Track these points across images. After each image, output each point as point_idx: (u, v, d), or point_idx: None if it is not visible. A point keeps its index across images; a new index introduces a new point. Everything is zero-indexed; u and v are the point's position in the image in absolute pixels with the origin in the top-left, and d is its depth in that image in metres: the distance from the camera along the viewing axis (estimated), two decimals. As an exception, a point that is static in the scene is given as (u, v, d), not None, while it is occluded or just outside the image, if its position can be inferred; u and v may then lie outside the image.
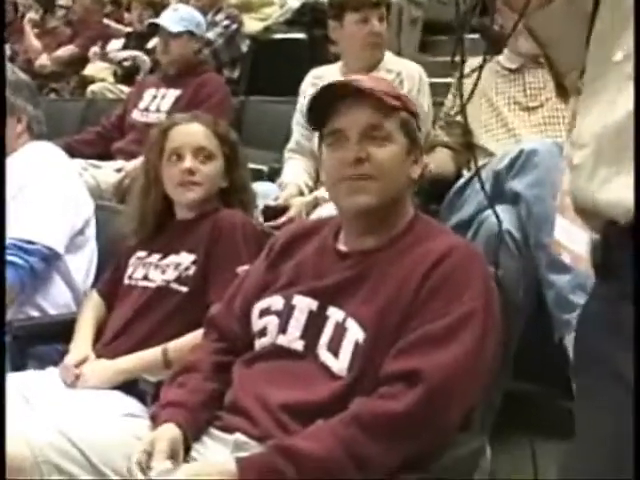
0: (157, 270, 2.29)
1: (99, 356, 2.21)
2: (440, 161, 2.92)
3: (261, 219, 2.87)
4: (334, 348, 1.66)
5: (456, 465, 1.68)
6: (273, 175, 3.49)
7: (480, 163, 2.69)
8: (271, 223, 2.87)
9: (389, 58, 3.29)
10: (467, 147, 2.99)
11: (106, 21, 6.37)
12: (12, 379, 2.05)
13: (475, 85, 1.41)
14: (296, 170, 3.26)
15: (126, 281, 2.35)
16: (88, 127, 4.40)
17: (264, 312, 1.79)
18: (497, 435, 1.87)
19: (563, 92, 1.40)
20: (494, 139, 2.90)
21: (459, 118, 2.97)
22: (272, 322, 1.76)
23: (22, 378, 2.12)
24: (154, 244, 2.36)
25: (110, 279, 2.46)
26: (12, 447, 1.54)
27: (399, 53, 4.09)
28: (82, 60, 5.97)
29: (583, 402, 1.22)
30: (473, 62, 1.48)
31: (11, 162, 2.54)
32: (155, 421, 1.73)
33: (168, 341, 2.15)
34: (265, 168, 3.62)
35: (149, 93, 4.14)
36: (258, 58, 5.19)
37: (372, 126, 1.73)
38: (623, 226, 1.08)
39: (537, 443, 2.01)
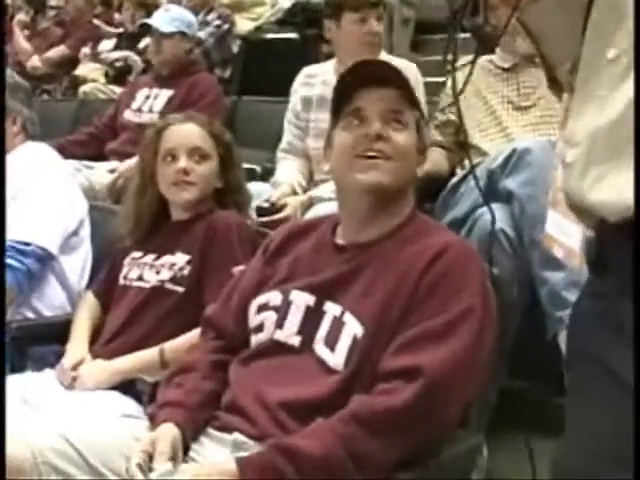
0: (152, 270, 2.29)
1: (96, 357, 2.21)
2: (434, 160, 2.93)
3: (254, 217, 2.87)
4: (331, 343, 1.66)
5: (454, 462, 1.69)
6: (266, 175, 3.50)
7: (474, 162, 2.70)
8: (265, 219, 2.87)
9: (385, 58, 3.29)
10: (460, 146, 3.00)
11: (96, 22, 6.36)
12: (11, 381, 2.05)
13: (467, 80, 1.42)
14: (289, 170, 3.27)
15: (121, 281, 2.35)
16: (80, 128, 4.39)
17: (262, 308, 1.79)
18: (492, 432, 1.88)
19: (555, 86, 1.41)
20: (488, 138, 2.91)
21: (453, 117, 2.98)
22: (269, 318, 1.76)
23: (20, 380, 2.12)
24: (149, 244, 2.36)
25: (105, 280, 2.46)
26: (12, 448, 1.54)
27: (391, 52, 4.09)
28: (73, 61, 5.97)
29: (576, 399, 1.22)
30: (465, 60, 1.49)
31: (6, 163, 2.54)
32: (153, 421, 1.73)
33: (164, 341, 2.15)
34: (258, 168, 3.63)
35: (142, 93, 4.14)
36: (249, 58, 5.19)
37: (394, 111, 1.76)
38: (614, 224, 1.09)
39: (531, 440, 2.02)
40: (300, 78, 3.41)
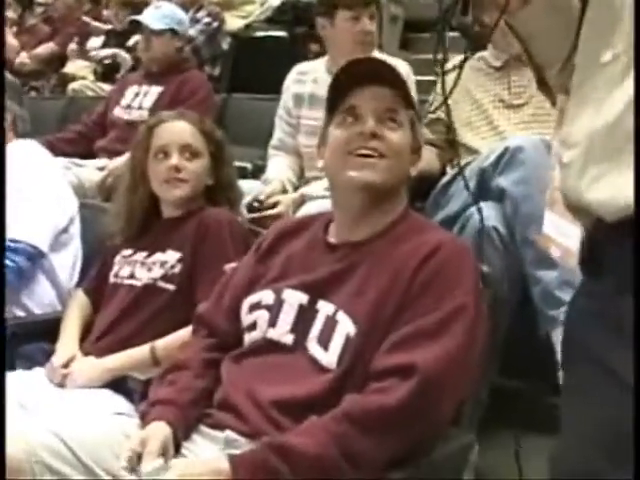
0: (143, 268, 2.28)
1: (86, 354, 2.20)
2: (425, 158, 2.92)
3: (247, 214, 2.87)
4: (324, 341, 1.66)
5: (446, 460, 1.69)
6: (257, 172, 3.49)
7: (464, 161, 2.70)
8: (255, 215, 2.87)
9: (377, 56, 3.28)
10: (451, 144, 3.00)
11: (85, 19, 6.34)
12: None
13: (456, 82, 1.43)
14: (280, 167, 3.26)
15: (112, 279, 2.35)
16: (69, 125, 4.37)
17: (254, 306, 1.78)
18: (483, 430, 1.88)
19: (545, 88, 1.41)
20: (479, 137, 2.91)
21: (443, 115, 2.98)
22: (262, 316, 1.76)
23: (11, 378, 2.11)
24: (140, 242, 2.35)
25: (95, 277, 2.45)
26: (9, 448, 1.53)
27: (381, 50, 4.09)
28: (62, 58, 5.95)
29: (573, 398, 1.22)
30: (455, 60, 1.50)
31: (5, 162, 2.53)
32: (144, 419, 1.72)
33: (156, 339, 2.14)
34: (249, 165, 3.63)
35: (131, 90, 4.12)
36: (239, 56, 5.18)
37: (388, 109, 1.76)
38: (610, 223, 1.09)
39: (523, 439, 2.02)
40: (292, 75, 3.40)
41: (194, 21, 4.94)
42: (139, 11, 4.49)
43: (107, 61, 5.38)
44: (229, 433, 1.64)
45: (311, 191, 2.95)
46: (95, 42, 5.80)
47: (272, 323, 1.74)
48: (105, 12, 6.45)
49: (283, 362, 1.70)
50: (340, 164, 1.76)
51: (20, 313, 2.50)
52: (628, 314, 1.06)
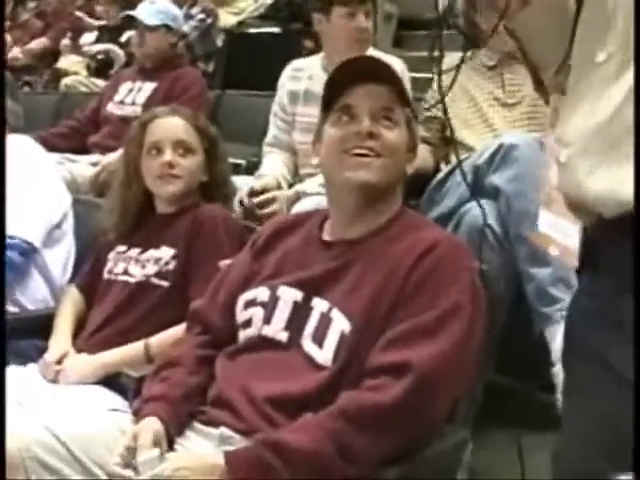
0: (137, 265, 2.28)
1: (79, 351, 2.20)
2: (420, 156, 2.92)
3: (238, 209, 2.86)
4: (319, 339, 1.66)
5: (441, 458, 1.69)
6: (251, 169, 3.48)
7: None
8: (247, 202, 2.87)
9: (372, 53, 3.28)
10: (446, 142, 3.00)
11: (78, 14, 6.32)
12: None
13: (452, 82, 1.43)
14: (275, 163, 3.25)
15: (106, 276, 2.34)
16: (62, 121, 4.36)
17: (249, 303, 1.78)
18: (477, 428, 1.88)
19: (541, 88, 1.41)
20: (475, 135, 2.91)
21: (438, 113, 2.97)
22: (257, 313, 1.75)
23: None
24: (134, 238, 2.35)
25: (89, 273, 2.45)
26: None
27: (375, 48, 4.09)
28: (55, 53, 5.93)
29: (573, 394, 1.23)
30: (451, 58, 1.49)
31: (5, 162, 2.52)
32: (137, 415, 1.72)
33: (149, 336, 2.14)
34: (243, 162, 3.62)
35: (125, 86, 4.11)
36: (233, 52, 5.17)
37: (385, 108, 1.75)
38: (610, 221, 1.09)
39: (517, 437, 2.02)
40: (287, 72, 3.39)
41: (188, 17, 4.94)
42: (131, 7, 4.48)
43: (100, 56, 5.37)
44: (224, 430, 1.64)
45: (306, 188, 2.95)
46: (88, 37, 5.79)
47: (267, 320, 1.74)
48: (98, 8, 6.44)
49: (278, 359, 1.70)
50: (336, 163, 1.75)
51: (13, 309, 2.48)
52: (628, 314, 1.06)
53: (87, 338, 2.24)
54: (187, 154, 2.33)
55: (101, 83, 4.91)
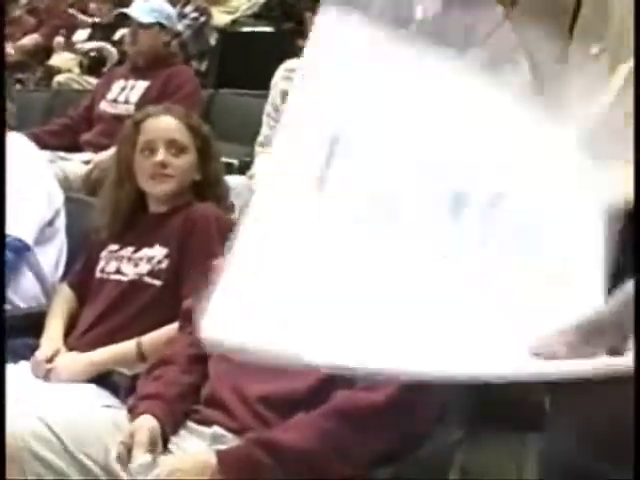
0: (130, 263, 2.27)
1: (71, 349, 2.20)
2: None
3: None
4: None
5: (434, 457, 1.69)
6: (244, 169, 3.48)
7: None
8: None
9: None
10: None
11: (71, 11, 6.30)
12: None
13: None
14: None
15: (98, 274, 2.33)
16: (54, 118, 4.34)
17: None
18: (471, 427, 1.88)
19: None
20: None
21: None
22: None
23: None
24: (126, 237, 2.34)
25: (81, 271, 2.44)
26: None
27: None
28: (47, 50, 5.91)
29: (564, 392, 1.23)
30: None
31: (5, 161, 2.51)
32: (132, 413, 1.73)
33: (142, 335, 2.14)
34: (236, 162, 3.61)
35: (118, 84, 4.09)
36: (226, 51, 5.16)
37: None
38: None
39: (511, 437, 2.02)
40: (280, 72, 3.40)
41: (181, 16, 4.92)
42: (125, 4, 4.47)
43: (93, 54, 5.36)
44: (216, 429, 1.65)
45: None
46: (81, 35, 5.77)
47: (260, 319, 1.74)
48: (91, 5, 6.43)
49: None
50: None
51: (5, 307, 2.48)
52: None
53: (79, 337, 2.24)
54: (180, 153, 2.33)
55: (94, 81, 4.89)
